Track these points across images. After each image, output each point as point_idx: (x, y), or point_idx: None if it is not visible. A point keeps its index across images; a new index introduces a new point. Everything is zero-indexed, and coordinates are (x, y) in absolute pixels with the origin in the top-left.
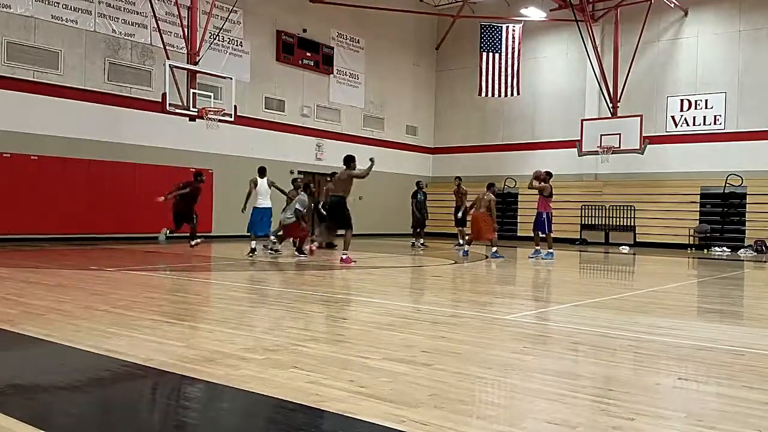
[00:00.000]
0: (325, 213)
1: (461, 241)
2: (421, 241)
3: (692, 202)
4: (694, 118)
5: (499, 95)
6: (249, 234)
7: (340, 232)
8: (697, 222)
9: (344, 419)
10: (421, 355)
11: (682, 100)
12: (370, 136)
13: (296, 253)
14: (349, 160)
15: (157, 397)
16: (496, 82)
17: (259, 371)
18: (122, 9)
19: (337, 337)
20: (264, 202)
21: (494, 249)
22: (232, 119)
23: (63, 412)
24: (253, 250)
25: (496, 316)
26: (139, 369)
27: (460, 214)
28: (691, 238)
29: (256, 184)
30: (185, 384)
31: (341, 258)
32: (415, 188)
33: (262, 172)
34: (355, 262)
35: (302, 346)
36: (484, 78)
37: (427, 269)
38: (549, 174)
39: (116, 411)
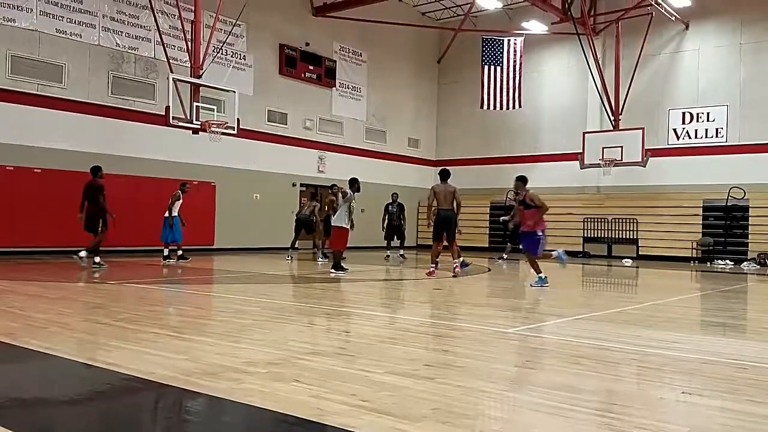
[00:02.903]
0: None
1: (505, 255)
2: (401, 252)
3: (695, 215)
4: (696, 130)
5: (501, 108)
6: (167, 244)
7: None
8: (700, 235)
9: None
10: (424, 369)
11: (683, 113)
12: (372, 149)
13: (334, 270)
14: (448, 175)
15: (159, 410)
16: (498, 94)
17: (261, 385)
18: (126, 23)
19: (339, 350)
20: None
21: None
22: (235, 132)
23: (64, 425)
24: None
25: (498, 329)
26: (140, 382)
27: (511, 225)
28: (694, 251)
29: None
30: (187, 398)
31: (454, 267)
32: (390, 200)
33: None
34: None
35: (304, 360)
36: (485, 91)
37: (428, 282)
38: (521, 179)
39: (118, 425)
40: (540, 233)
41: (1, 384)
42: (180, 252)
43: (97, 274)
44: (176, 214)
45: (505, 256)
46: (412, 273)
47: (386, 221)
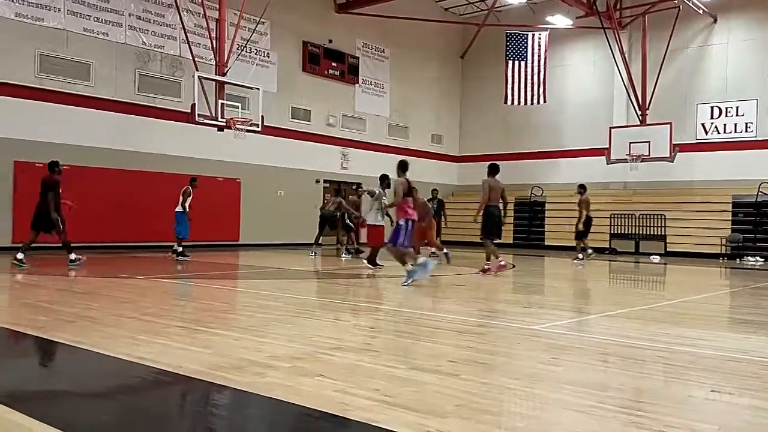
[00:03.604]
0: (351, 224)
1: (581, 255)
2: (432, 250)
3: (724, 210)
4: (725, 125)
5: (525, 103)
6: (179, 240)
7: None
8: (729, 231)
9: (370, 428)
10: (448, 365)
11: (712, 108)
12: (395, 145)
13: (369, 264)
14: (498, 169)
15: (186, 403)
16: (522, 89)
17: (285, 379)
18: (152, 21)
19: (363, 345)
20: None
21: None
22: (259, 129)
23: (93, 418)
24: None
25: (523, 326)
26: (167, 376)
27: (581, 226)
28: (723, 247)
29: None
30: (213, 391)
31: (484, 267)
32: (430, 196)
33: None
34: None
35: (328, 355)
36: (509, 86)
37: (451, 278)
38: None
39: (145, 417)
40: (401, 223)
41: (32, 377)
42: (180, 249)
43: (20, 275)
44: (186, 209)
45: (587, 252)
46: (439, 270)
47: None
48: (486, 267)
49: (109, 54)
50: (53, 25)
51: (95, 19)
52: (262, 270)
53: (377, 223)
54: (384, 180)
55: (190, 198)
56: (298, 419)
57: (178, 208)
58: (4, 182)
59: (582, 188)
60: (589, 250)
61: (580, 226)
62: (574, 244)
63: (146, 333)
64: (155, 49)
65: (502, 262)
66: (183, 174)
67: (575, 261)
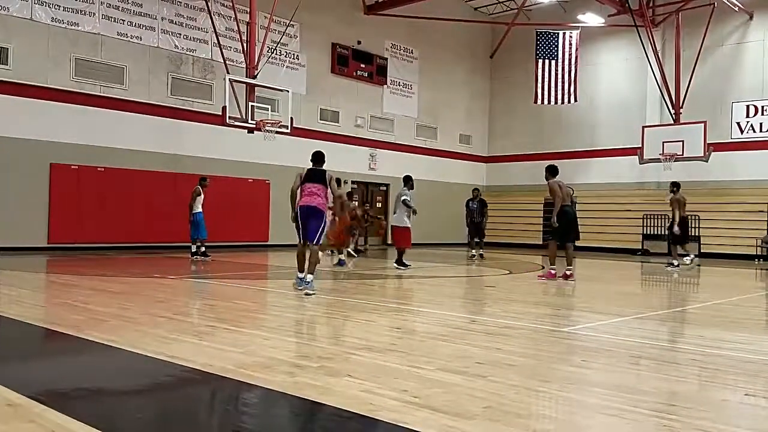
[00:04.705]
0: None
1: (675, 262)
2: (473, 252)
3: (760, 211)
4: (761, 124)
5: (556, 102)
6: (194, 240)
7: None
8: (765, 232)
9: (398, 429)
10: (476, 367)
11: (747, 106)
12: (423, 146)
13: (397, 265)
14: (557, 170)
15: (216, 402)
16: (553, 89)
17: (313, 378)
18: (184, 25)
19: (391, 346)
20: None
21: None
22: (289, 131)
23: (126, 415)
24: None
25: (553, 328)
26: (198, 374)
27: (676, 228)
28: (759, 248)
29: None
30: (242, 390)
31: (566, 273)
32: (471, 196)
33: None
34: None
35: (356, 355)
36: (540, 85)
37: (481, 279)
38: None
39: (176, 415)
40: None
41: (66, 374)
42: (203, 249)
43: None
44: (199, 210)
45: (690, 257)
46: (473, 271)
47: (468, 218)
48: (569, 272)
49: (142, 58)
50: (89, 30)
51: (129, 23)
52: (290, 270)
53: (404, 225)
54: (408, 181)
55: (200, 198)
56: (326, 419)
57: (195, 209)
58: (40, 184)
59: (675, 186)
60: (692, 256)
61: (675, 229)
62: (669, 250)
63: (178, 332)
64: (187, 53)
65: (553, 272)
66: (214, 175)
67: (668, 267)
